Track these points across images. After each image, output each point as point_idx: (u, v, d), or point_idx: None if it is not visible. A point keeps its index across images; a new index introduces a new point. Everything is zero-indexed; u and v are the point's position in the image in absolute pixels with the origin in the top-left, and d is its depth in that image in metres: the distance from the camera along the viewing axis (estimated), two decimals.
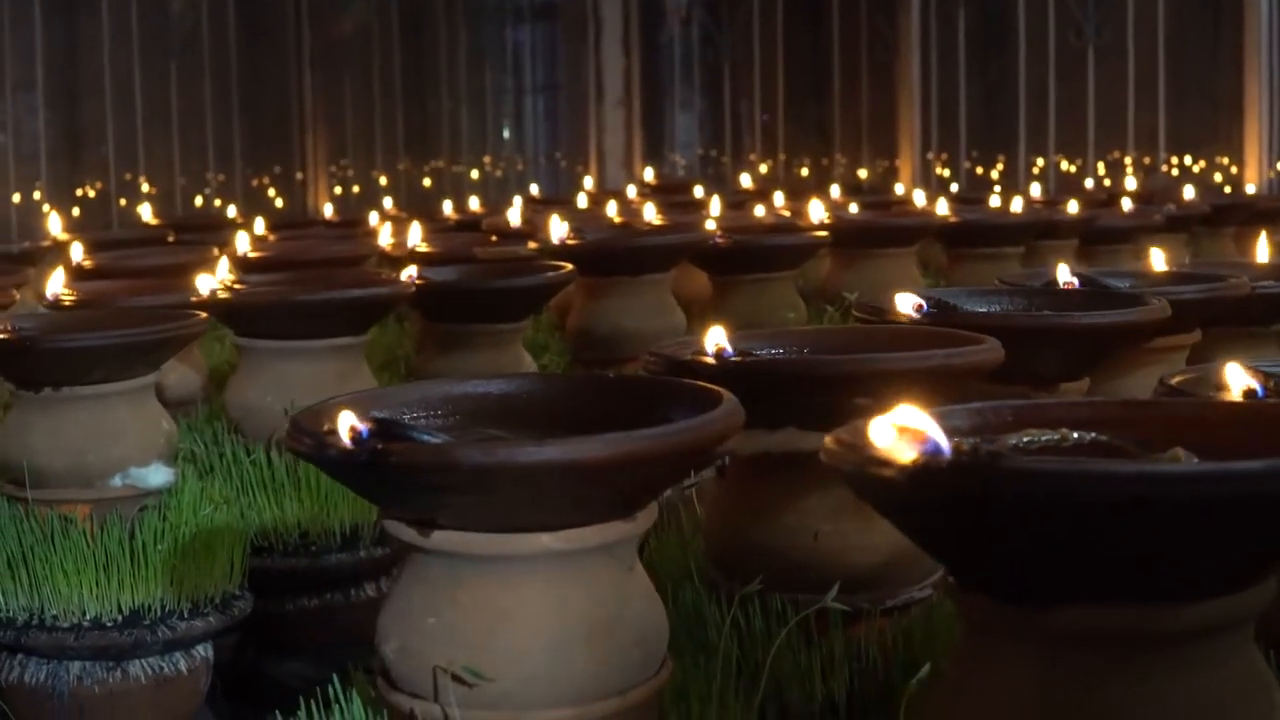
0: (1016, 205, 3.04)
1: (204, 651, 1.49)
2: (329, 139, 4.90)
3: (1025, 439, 0.78)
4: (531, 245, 2.21)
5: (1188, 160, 4.49)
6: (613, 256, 2.16)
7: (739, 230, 2.48)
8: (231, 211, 3.97)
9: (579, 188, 4.76)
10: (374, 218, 3.33)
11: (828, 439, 0.72)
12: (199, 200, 4.75)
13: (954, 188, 4.58)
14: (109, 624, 1.44)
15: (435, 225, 3.17)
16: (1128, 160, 4.48)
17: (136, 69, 4.49)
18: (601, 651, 0.88)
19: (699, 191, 3.86)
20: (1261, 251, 1.93)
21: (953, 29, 4.69)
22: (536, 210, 3.26)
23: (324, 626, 1.65)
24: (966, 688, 0.72)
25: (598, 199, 3.77)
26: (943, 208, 2.87)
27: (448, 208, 3.89)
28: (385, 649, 0.91)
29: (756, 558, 1.11)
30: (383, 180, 5.11)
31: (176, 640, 1.45)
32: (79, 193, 4.52)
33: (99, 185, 4.55)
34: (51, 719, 1.46)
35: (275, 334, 1.73)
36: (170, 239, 3.01)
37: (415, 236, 2.36)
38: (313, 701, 1.03)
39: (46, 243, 2.76)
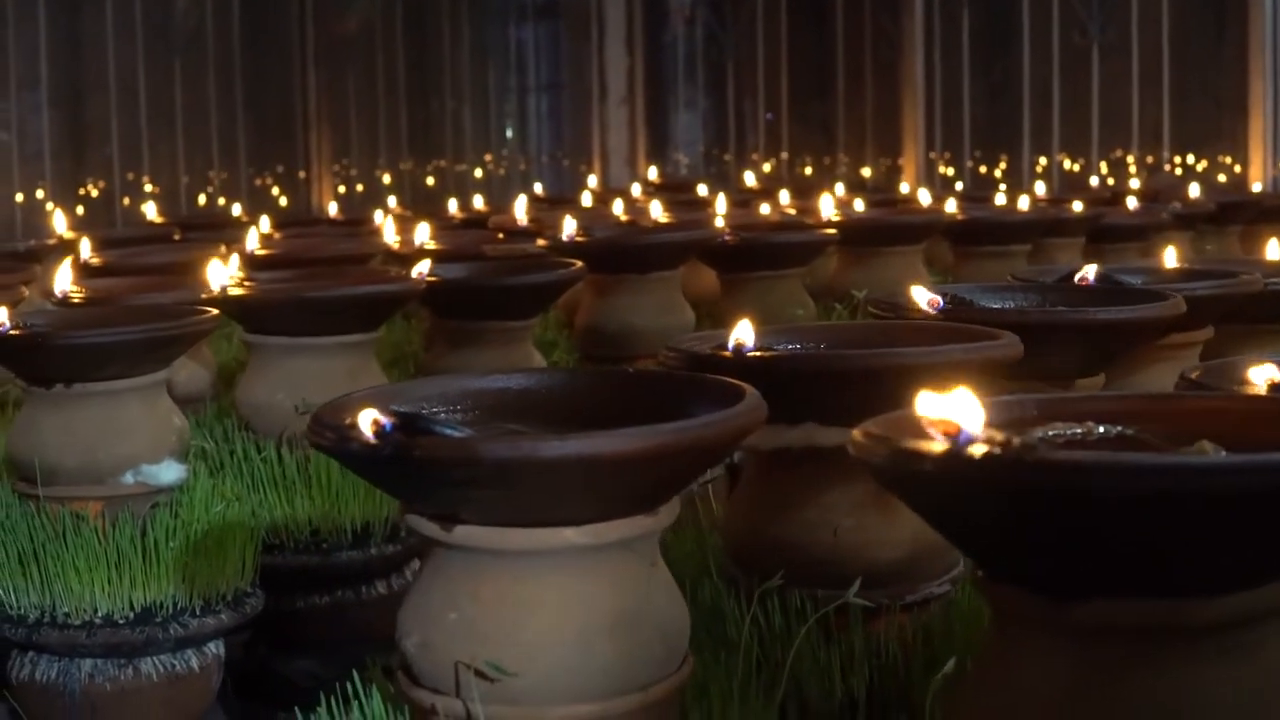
0: (1023, 203, 3.04)
1: (216, 649, 1.49)
2: (332, 137, 4.90)
3: (1050, 432, 0.78)
4: (541, 242, 2.21)
5: (1191, 159, 4.49)
6: (622, 254, 2.16)
7: (747, 228, 2.48)
8: (236, 210, 3.97)
9: (583, 186, 4.75)
10: (379, 216, 3.33)
11: (856, 432, 0.71)
12: (202, 199, 4.75)
13: (958, 186, 4.58)
14: (121, 621, 1.43)
15: (441, 223, 3.16)
16: (1130, 159, 4.48)
17: (140, 67, 4.49)
18: (624, 647, 0.87)
19: (703, 190, 3.86)
20: (1271, 249, 1.93)
21: (957, 27, 4.69)
22: (541, 209, 3.26)
23: (335, 624, 1.65)
24: (996, 680, 0.72)
25: (602, 197, 3.77)
26: (950, 205, 2.87)
27: (453, 206, 3.89)
28: (406, 644, 0.90)
29: (776, 553, 1.10)
30: (386, 179, 5.11)
31: (188, 638, 1.44)
32: (82, 191, 4.52)
33: (102, 184, 4.55)
34: (63, 717, 1.45)
35: (286, 331, 1.72)
36: (176, 237, 3.01)
37: (424, 234, 2.36)
38: (332, 698, 1.03)
39: (52, 240, 2.76)
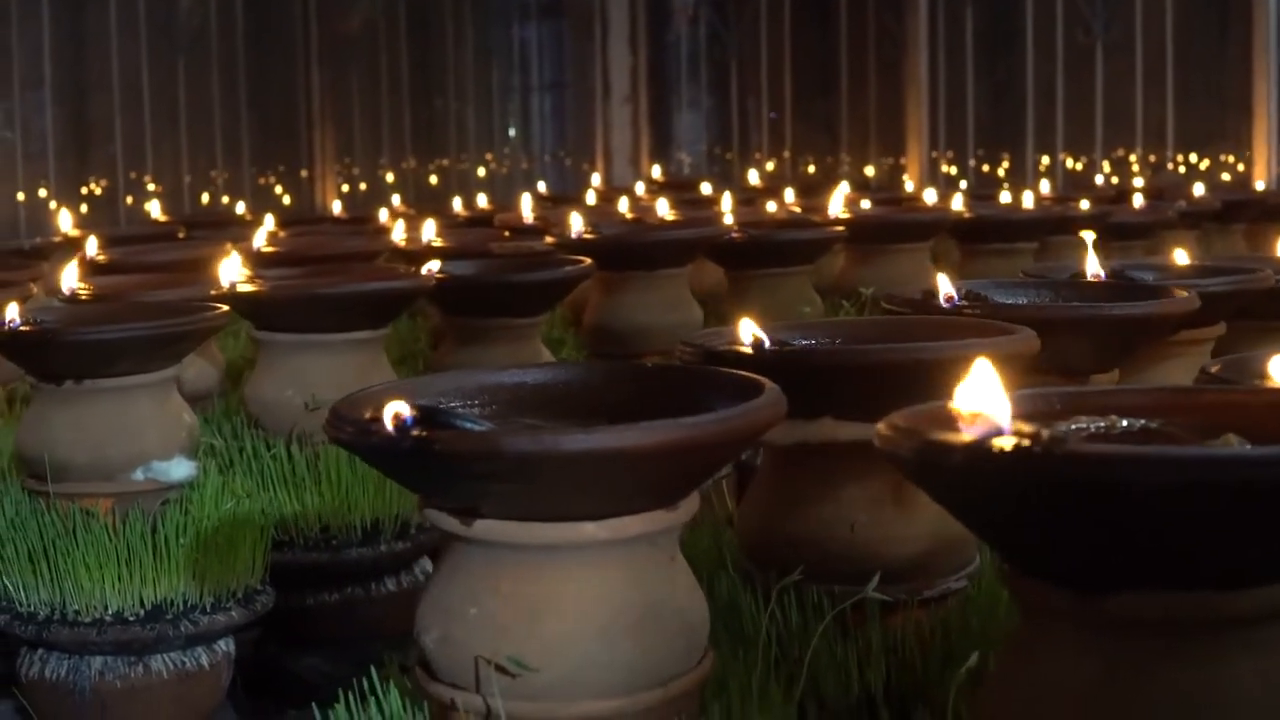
0: (1028, 201, 3.04)
1: (226, 646, 1.48)
2: (336, 136, 4.90)
3: (1074, 426, 0.77)
4: (548, 240, 2.21)
5: (1194, 158, 4.49)
6: (630, 251, 2.16)
7: (755, 225, 2.47)
8: (240, 208, 3.97)
9: (586, 185, 4.75)
10: (384, 214, 3.33)
11: (881, 425, 0.71)
12: (205, 197, 4.75)
13: (961, 185, 4.58)
14: (131, 618, 1.43)
15: (446, 221, 3.16)
16: (1134, 158, 4.47)
17: (144, 66, 4.49)
18: (644, 641, 0.87)
19: (706, 189, 3.85)
20: None
21: (960, 26, 4.69)
22: (546, 207, 3.26)
23: (345, 621, 1.65)
24: (1023, 674, 0.71)
25: (606, 196, 3.76)
26: (958, 203, 2.87)
27: (457, 204, 3.88)
28: (425, 639, 0.90)
29: (792, 549, 1.10)
30: (389, 178, 5.10)
31: (199, 635, 1.44)
32: (86, 190, 4.52)
33: (105, 183, 4.55)
34: (73, 714, 1.45)
35: (295, 328, 1.72)
36: (180, 235, 3.00)
37: (430, 232, 2.35)
38: (349, 694, 1.02)
39: (58, 238, 2.75)
